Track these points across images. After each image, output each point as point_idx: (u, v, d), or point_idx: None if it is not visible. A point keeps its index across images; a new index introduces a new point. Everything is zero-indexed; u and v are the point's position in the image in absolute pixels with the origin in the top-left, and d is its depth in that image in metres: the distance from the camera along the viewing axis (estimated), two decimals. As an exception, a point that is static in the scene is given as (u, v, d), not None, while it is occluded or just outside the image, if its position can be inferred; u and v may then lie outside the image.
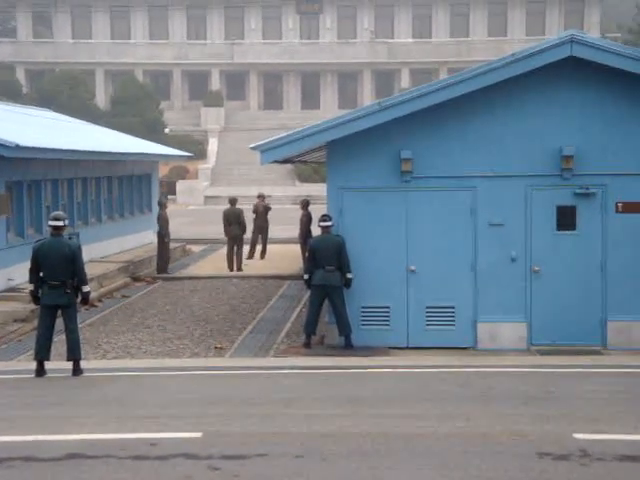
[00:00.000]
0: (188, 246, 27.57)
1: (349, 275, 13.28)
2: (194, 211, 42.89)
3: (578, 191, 13.16)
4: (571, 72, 13.05)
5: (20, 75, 61.31)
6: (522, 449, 7.75)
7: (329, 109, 58.78)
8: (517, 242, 13.29)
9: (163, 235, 22.12)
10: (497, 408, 9.37)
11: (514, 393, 10.18)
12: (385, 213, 13.41)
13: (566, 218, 13.25)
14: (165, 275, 21.93)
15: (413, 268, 13.38)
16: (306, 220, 21.54)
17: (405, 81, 61.77)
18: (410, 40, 63.30)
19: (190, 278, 21.63)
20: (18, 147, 15.41)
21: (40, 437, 8.24)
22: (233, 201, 23.39)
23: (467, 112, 13.24)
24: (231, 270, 22.45)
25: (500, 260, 13.30)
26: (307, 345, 13.53)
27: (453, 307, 13.40)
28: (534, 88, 13.14)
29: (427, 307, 13.41)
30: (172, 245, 24.45)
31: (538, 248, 13.25)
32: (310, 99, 64.43)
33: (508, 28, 62.81)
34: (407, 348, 13.36)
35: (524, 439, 8.07)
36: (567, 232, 13.27)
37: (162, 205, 23.26)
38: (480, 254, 13.32)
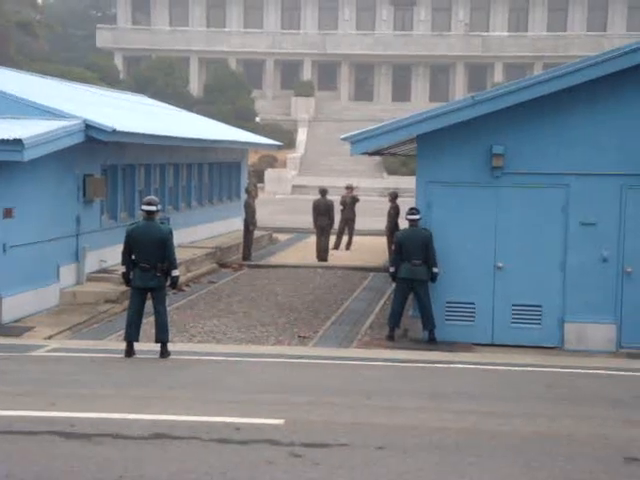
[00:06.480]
0: (275, 234, 27.81)
1: (435, 269, 13.21)
2: (281, 200, 43.20)
3: (676, 192, 12.83)
4: (673, 69, 12.71)
5: (118, 61, 62.79)
6: (608, 452, 7.59)
7: (420, 102, 58.36)
8: (609, 242, 13.02)
9: (248, 223, 22.36)
10: (583, 410, 9.20)
11: (601, 396, 9.99)
12: (474, 208, 13.28)
13: (662, 219, 12.93)
14: (251, 262, 22.18)
15: (500, 265, 13.23)
16: (394, 213, 21.51)
17: (498, 75, 60.94)
18: (505, 34, 62.37)
19: (275, 266, 21.82)
20: (115, 131, 15.75)
21: (128, 416, 8.42)
22: (324, 192, 23.48)
23: (562, 108, 13.01)
24: (320, 260, 22.56)
25: (591, 260, 13.05)
26: (390, 338, 13.52)
27: (540, 306, 13.21)
28: (634, 84, 12.82)
29: (513, 305, 13.26)
30: (259, 233, 24.70)
31: (631, 248, 12.96)
32: (401, 91, 64.09)
33: (608, 23, 61.35)
34: (491, 345, 13.24)
35: (610, 442, 7.91)
36: (662, 234, 12.95)
37: (249, 193, 23.51)
38: (570, 253, 13.09)
